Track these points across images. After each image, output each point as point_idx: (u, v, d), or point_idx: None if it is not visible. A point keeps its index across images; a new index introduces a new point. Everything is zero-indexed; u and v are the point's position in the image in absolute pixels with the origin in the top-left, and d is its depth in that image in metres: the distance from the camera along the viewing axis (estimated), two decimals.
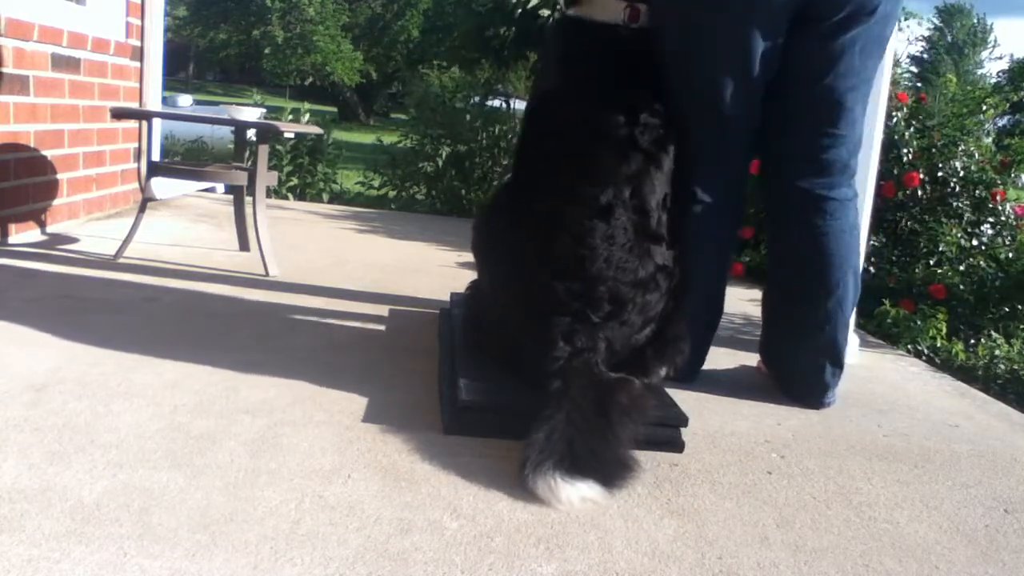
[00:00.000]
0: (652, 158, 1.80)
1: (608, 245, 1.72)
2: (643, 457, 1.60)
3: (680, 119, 1.85)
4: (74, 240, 3.23)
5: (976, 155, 4.15)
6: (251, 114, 3.17)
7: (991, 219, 4.05)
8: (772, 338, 2.18)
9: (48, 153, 3.25)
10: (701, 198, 1.98)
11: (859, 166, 2.46)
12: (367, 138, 10.61)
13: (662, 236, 1.81)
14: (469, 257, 2.09)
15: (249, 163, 3.29)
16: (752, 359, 2.39)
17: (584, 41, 1.88)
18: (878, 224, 3.97)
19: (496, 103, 7.24)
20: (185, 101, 15.27)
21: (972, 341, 3.40)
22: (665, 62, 1.87)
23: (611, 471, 1.49)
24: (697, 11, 1.87)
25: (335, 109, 25.22)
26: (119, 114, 3.38)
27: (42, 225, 3.27)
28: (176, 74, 33.96)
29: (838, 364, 2.07)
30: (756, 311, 2.67)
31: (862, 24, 1.84)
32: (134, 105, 3.99)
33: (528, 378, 1.71)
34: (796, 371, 2.12)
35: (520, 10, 6.48)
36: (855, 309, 2.10)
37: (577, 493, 1.42)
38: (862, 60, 1.88)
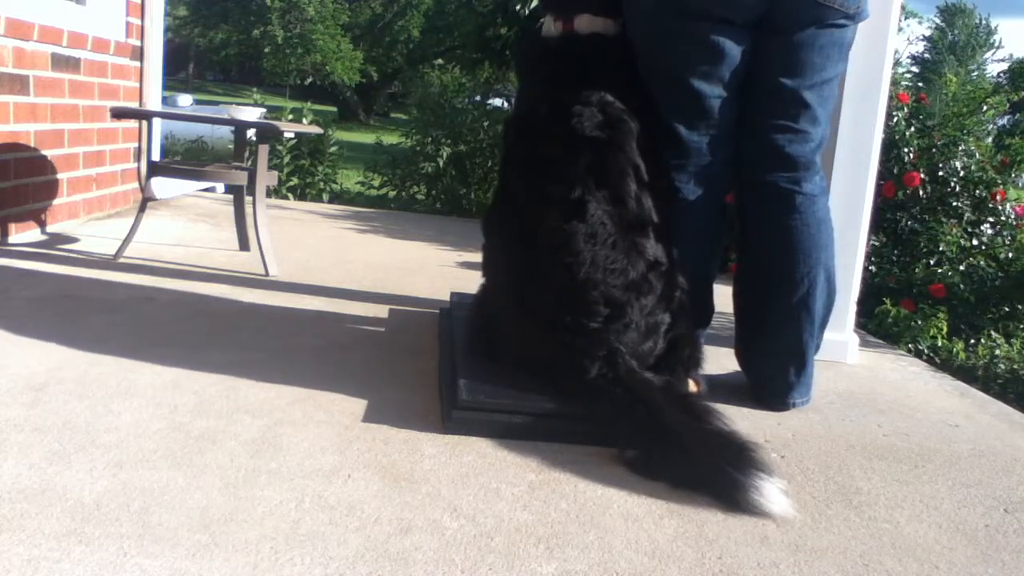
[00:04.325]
0: (608, 143, 1.82)
1: (591, 245, 1.75)
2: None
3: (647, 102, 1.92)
4: (74, 240, 3.23)
5: (976, 155, 4.15)
6: (251, 114, 3.17)
7: (991, 219, 4.05)
8: (741, 338, 2.11)
9: (48, 153, 3.25)
10: (684, 194, 1.98)
11: (859, 166, 2.49)
12: (367, 138, 10.60)
13: (648, 221, 1.83)
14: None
15: (249, 163, 3.29)
16: None
17: (528, 59, 2.08)
18: (878, 224, 3.97)
19: (497, 102, 7.25)
20: (185, 101, 15.25)
21: (972, 341, 3.40)
22: (639, 63, 1.94)
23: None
24: (664, 19, 1.89)
25: (335, 109, 25.22)
26: (119, 114, 3.38)
27: (42, 225, 3.27)
28: (176, 74, 33.95)
29: (803, 367, 2.00)
30: None
31: (823, 26, 1.86)
32: (134, 105, 3.99)
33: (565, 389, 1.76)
34: (761, 373, 2.07)
35: (527, 12, 6.49)
36: (831, 311, 2.01)
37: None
38: (822, 60, 1.90)
